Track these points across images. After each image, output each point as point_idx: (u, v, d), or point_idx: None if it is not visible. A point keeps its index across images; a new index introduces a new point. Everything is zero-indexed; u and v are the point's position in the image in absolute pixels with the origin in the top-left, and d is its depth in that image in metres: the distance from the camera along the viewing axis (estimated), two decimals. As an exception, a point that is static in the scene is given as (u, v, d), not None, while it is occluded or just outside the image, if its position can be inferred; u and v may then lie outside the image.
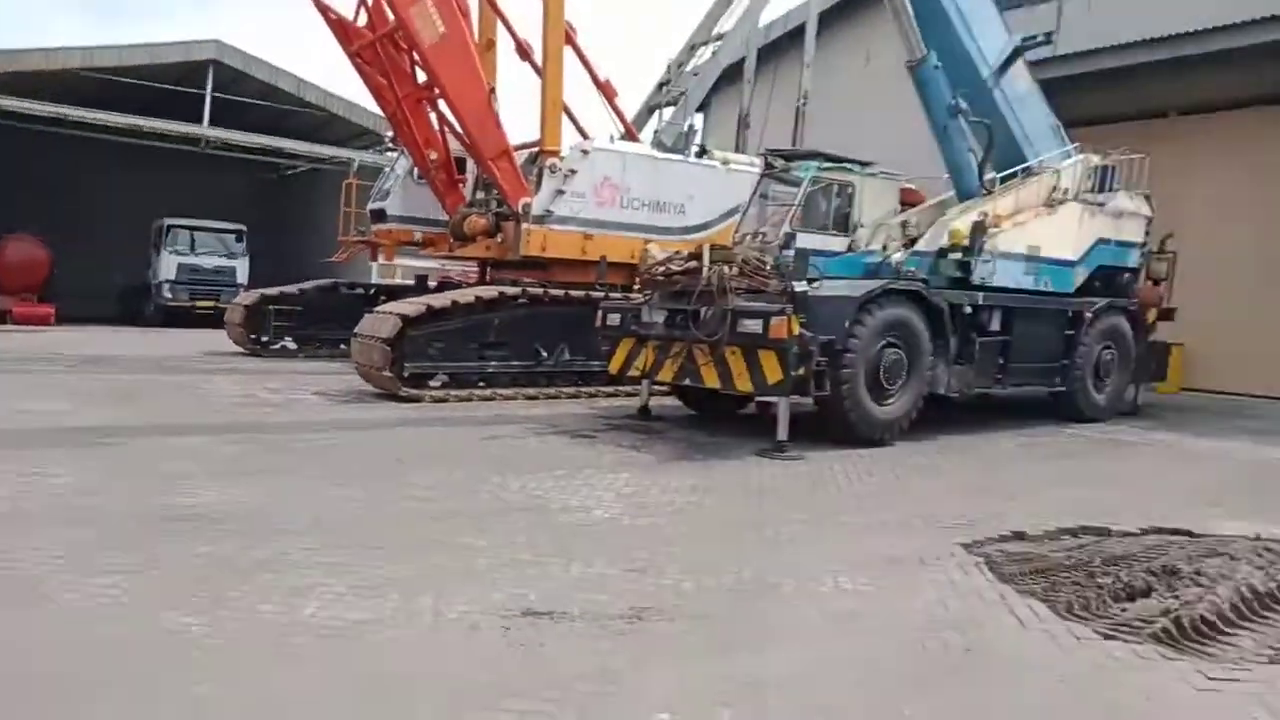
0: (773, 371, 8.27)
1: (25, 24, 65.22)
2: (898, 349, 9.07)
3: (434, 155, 13.79)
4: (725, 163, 14.07)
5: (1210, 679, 3.59)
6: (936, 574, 4.89)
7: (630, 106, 15.61)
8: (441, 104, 13.19)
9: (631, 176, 12.96)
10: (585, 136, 14.28)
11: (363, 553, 4.75)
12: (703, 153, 14.02)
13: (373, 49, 12.85)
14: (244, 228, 26.98)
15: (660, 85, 15.78)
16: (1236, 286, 15.19)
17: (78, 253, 25.58)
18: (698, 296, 8.85)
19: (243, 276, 25.88)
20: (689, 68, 15.57)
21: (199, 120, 25.20)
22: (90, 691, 3.12)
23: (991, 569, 5.00)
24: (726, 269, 8.74)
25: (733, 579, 4.65)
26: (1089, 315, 11.33)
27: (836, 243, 10.55)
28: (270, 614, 3.84)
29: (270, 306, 16.33)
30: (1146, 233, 12.48)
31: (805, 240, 9.96)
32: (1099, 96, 16.49)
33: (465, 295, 11.67)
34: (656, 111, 15.68)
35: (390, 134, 15.84)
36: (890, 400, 9.08)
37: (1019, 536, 5.75)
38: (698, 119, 18.10)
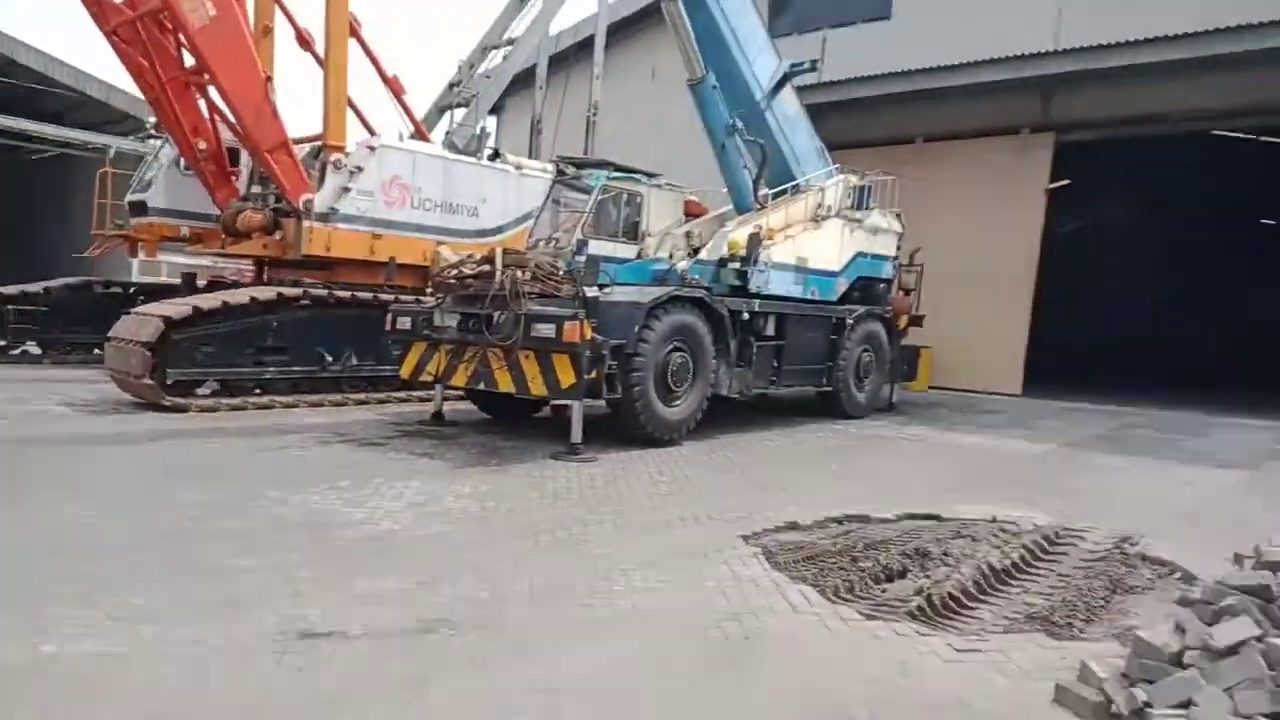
0: (566, 375, 8.36)
1: None
2: (684, 353, 9.46)
3: (203, 145, 12.73)
4: (518, 167, 14.05)
5: (957, 650, 4.03)
6: (720, 567, 5.15)
7: (420, 106, 15.24)
8: (212, 91, 12.20)
9: (422, 176, 12.62)
10: (372, 133, 13.75)
11: (112, 580, 4.33)
12: (495, 156, 13.92)
13: (132, 28, 11.65)
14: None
15: (451, 85, 15.51)
16: (972, 297, 17.07)
17: None
18: (491, 300, 8.78)
19: (-26, 273, 22.65)
20: (481, 70, 15.41)
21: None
22: None
23: (768, 559, 5.33)
24: (520, 273, 8.74)
25: (527, 584, 4.67)
26: (850, 321, 12.34)
27: (626, 250, 10.84)
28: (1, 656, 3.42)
29: (9, 307, 14.40)
30: (898, 247, 13.81)
31: (596, 247, 10.16)
32: (856, 121, 18.04)
33: (238, 296, 10.88)
34: (448, 112, 15.39)
35: (153, 120, 14.43)
36: (678, 401, 9.45)
37: (792, 527, 6.16)
38: (490, 122, 17.99)
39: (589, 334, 8.25)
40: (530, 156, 15.49)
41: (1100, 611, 4.64)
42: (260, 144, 11.57)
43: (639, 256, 10.92)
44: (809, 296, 11.93)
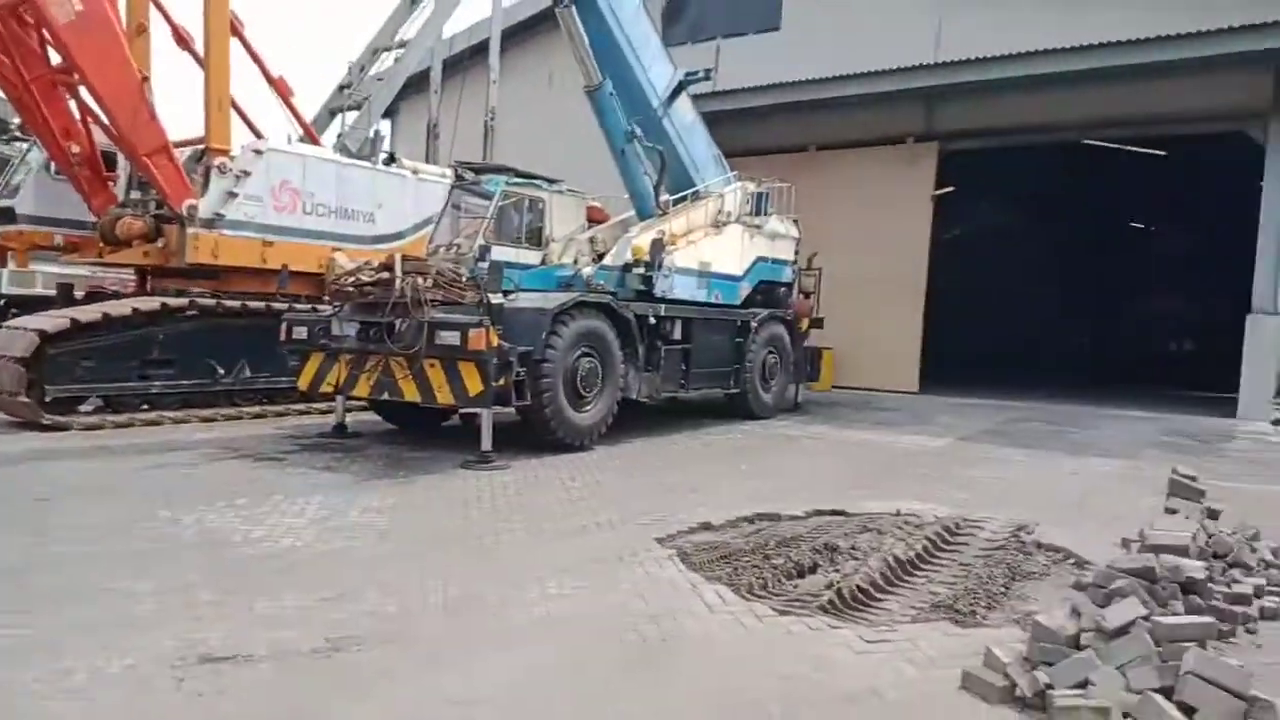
0: (473, 383, 8.21)
1: None
2: (592, 358, 9.43)
3: (75, 148, 11.96)
4: (415, 172, 13.75)
5: (867, 641, 4.12)
6: (635, 570, 5.13)
7: (309, 108, 14.75)
8: (84, 91, 11.49)
9: (314, 181, 12.19)
10: (259, 136, 13.22)
11: (-9, 613, 4.01)
12: (391, 160, 13.58)
13: (-12, 22, 10.85)
14: None
15: (341, 88, 15.09)
16: (869, 299, 17.61)
17: None
18: (392, 308, 8.55)
19: None
20: (372, 72, 15.04)
21: None
22: None
23: (683, 560, 5.34)
24: (422, 280, 8.53)
25: (438, 596, 4.55)
26: (754, 324, 12.56)
27: (530, 256, 10.74)
28: None
29: None
30: (796, 252, 14.15)
31: (499, 253, 10.03)
32: (751, 129, 18.42)
33: (120, 307, 10.28)
34: (339, 115, 14.96)
35: (17, 120, 13.48)
36: (588, 407, 9.42)
37: (705, 527, 6.20)
38: (384, 125, 17.57)
39: (495, 341, 8.12)
40: (427, 161, 15.20)
41: (1001, 598, 4.82)
42: (138, 147, 10.97)
43: (543, 263, 10.85)
44: (713, 301, 12.09)
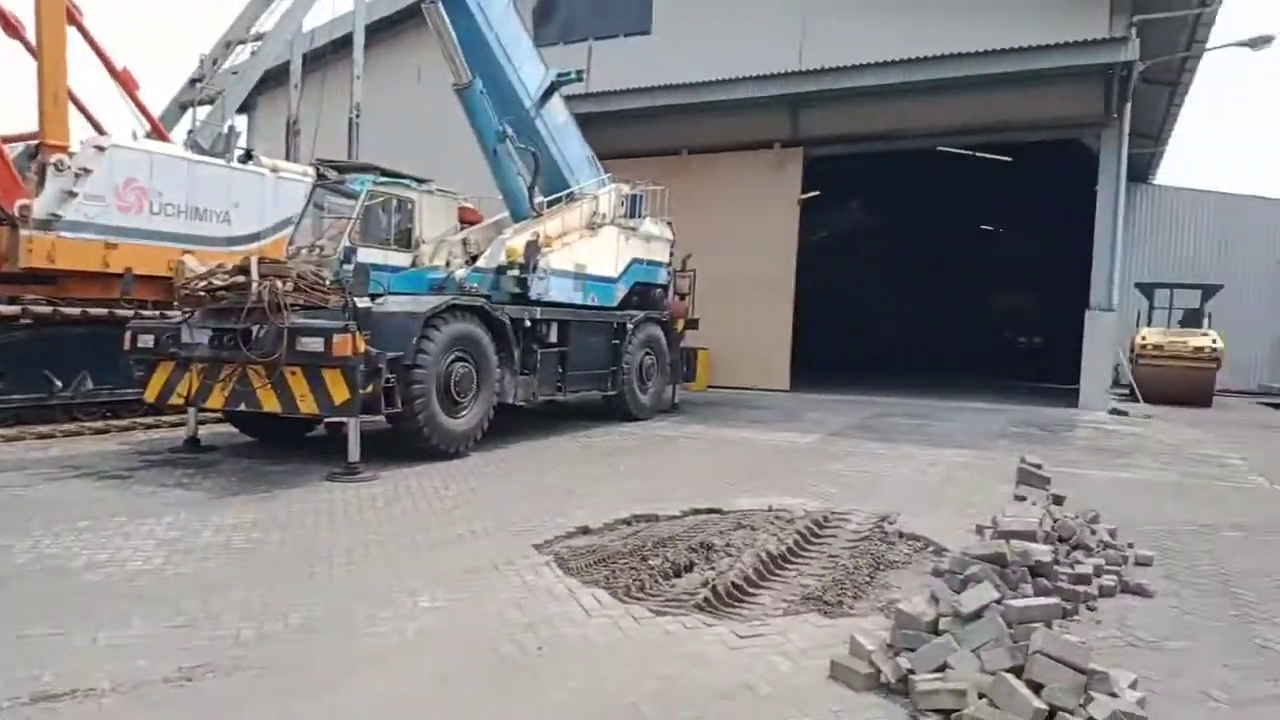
0: (339, 391, 7.88)
1: None
2: (466, 362, 9.24)
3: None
4: (274, 170, 13.12)
5: (741, 637, 4.18)
6: (511, 578, 5.04)
7: (157, 103, 13.86)
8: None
9: (162, 179, 11.45)
10: (101, 132, 12.33)
11: None
12: (248, 157, 12.91)
13: None
14: None
15: (193, 81, 14.24)
16: (741, 300, 18.03)
17: None
18: (247, 314, 8.12)
19: None
20: (226, 66, 14.28)
21: None
22: None
23: (560, 566, 5.29)
24: (280, 284, 8.14)
25: (302, 618, 4.33)
26: (631, 326, 12.62)
27: (399, 258, 10.42)
28: None
29: None
30: (671, 254, 14.31)
31: (366, 255, 9.68)
32: (624, 132, 18.56)
33: (-62, 317, 9.37)
34: (190, 110, 14.12)
35: None
36: (463, 412, 9.21)
37: (583, 531, 6.17)
38: (240, 121, 16.72)
39: (362, 346, 7.83)
40: (288, 159, 14.54)
41: (867, 588, 5.00)
42: (-42, 142, 10.04)
43: (413, 265, 10.55)
44: (589, 303, 12.07)
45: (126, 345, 9.05)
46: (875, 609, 4.61)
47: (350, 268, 8.96)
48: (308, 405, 8.06)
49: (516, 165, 11.67)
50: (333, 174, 10.44)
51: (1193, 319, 21.13)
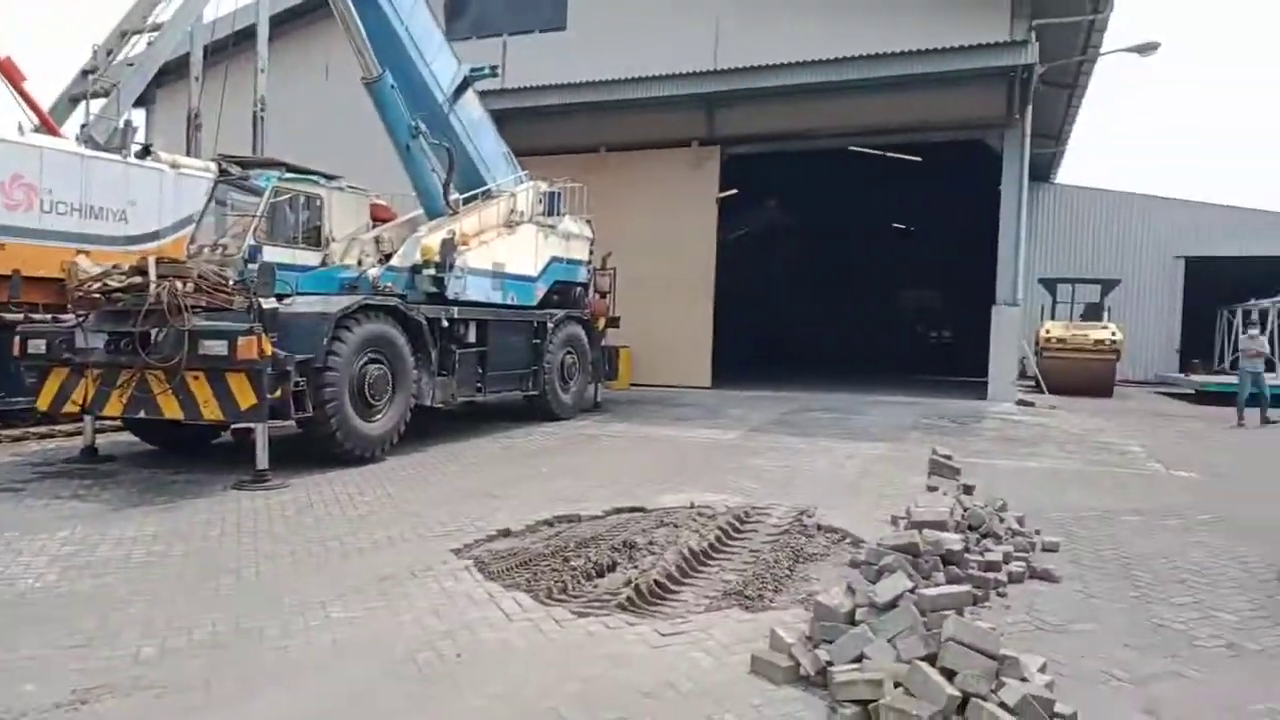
0: (245, 396, 7.60)
1: None
2: (381, 364, 9.01)
3: None
4: (174, 166, 12.58)
5: (663, 635, 4.17)
6: (429, 585, 4.92)
7: (46, 95, 13.13)
8: None
9: (53, 176, 10.86)
10: (-17, 126, 11.62)
11: None
12: (146, 153, 12.34)
13: None
14: None
15: (85, 73, 13.54)
16: (662, 298, 18.09)
17: None
18: (145, 316, 7.74)
19: None
20: (121, 57, 13.62)
21: None
22: None
23: (480, 570, 5.19)
24: (180, 284, 7.79)
25: (207, 633, 4.14)
26: (551, 325, 12.52)
27: (308, 257, 10.09)
28: None
29: None
30: (591, 252, 14.25)
31: (272, 254, 9.34)
32: (541, 129, 18.44)
33: None
34: (82, 103, 13.42)
35: None
36: (378, 416, 8.98)
37: (504, 534, 6.08)
38: (138, 115, 15.99)
39: (269, 349, 7.55)
40: (189, 154, 13.96)
41: (787, 581, 5.05)
42: None
43: (323, 264, 10.24)
44: (508, 302, 11.93)
45: (16, 351, 8.55)
46: (795, 601, 4.65)
47: (255, 267, 8.62)
48: (212, 411, 7.74)
49: (430, 162, 11.45)
50: (236, 170, 10.06)
51: (1093, 313, 22.12)
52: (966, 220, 22.20)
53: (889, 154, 21.99)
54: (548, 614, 4.44)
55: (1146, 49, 16.86)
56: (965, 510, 5.54)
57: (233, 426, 8.61)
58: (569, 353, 13.10)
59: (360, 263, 10.51)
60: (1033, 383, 20.41)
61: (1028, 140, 16.91)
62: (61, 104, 13.47)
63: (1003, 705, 3.04)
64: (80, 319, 8.33)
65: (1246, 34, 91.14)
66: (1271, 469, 9.17)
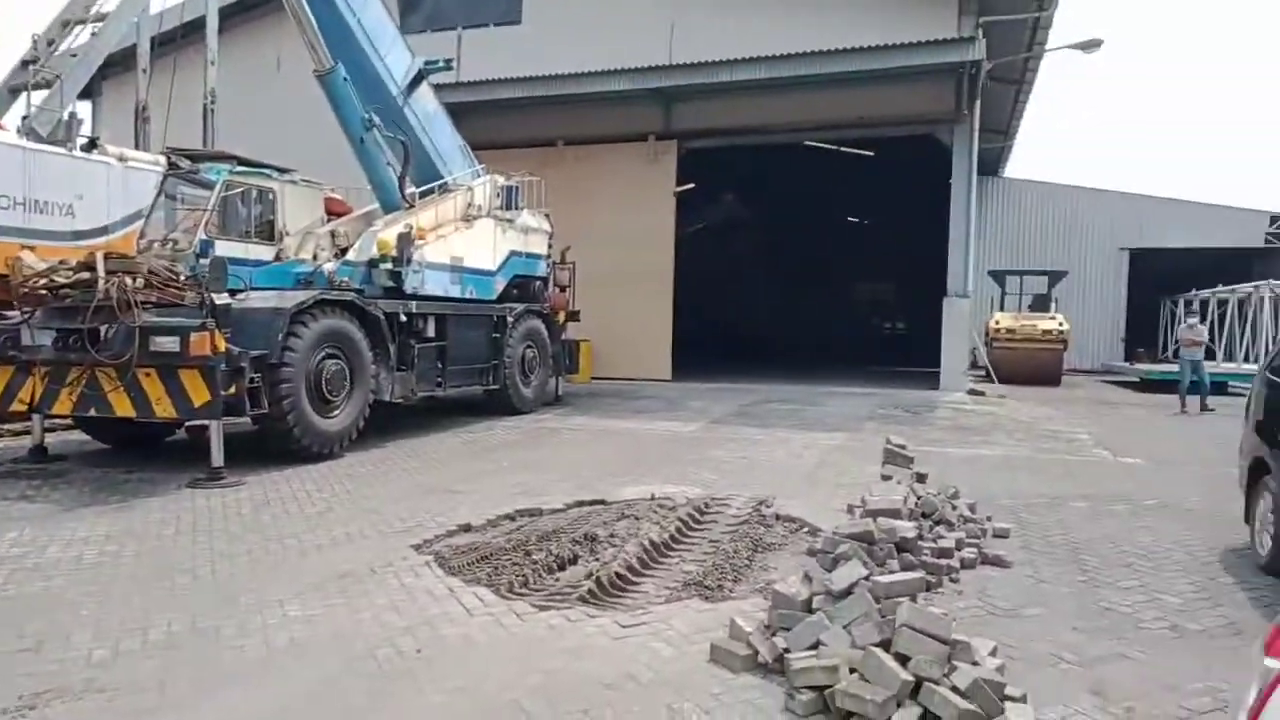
0: (199, 392, 7.49)
1: None
2: (338, 359, 8.92)
3: None
4: (122, 159, 12.28)
5: (623, 626, 4.21)
6: (388, 581, 4.91)
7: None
8: None
9: (-7, 169, 10.56)
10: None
11: None
12: (92, 146, 12.03)
13: None
14: None
15: (26, 64, 13.13)
16: (622, 292, 18.07)
17: None
18: (94, 313, 7.58)
19: None
20: (64, 47, 13.24)
21: None
22: None
23: (441, 565, 5.19)
24: (130, 280, 7.64)
25: (162, 634, 4.09)
26: (511, 319, 12.48)
27: (261, 252, 9.94)
28: None
29: None
30: (550, 246, 14.21)
31: (225, 248, 9.19)
32: (498, 123, 18.33)
33: None
34: (23, 94, 13.01)
35: None
36: (336, 411, 8.90)
37: (465, 529, 6.07)
38: (83, 107, 15.58)
39: (222, 345, 7.45)
40: (137, 147, 13.64)
41: (746, 570, 5.12)
42: None
43: (277, 259, 10.09)
44: (467, 296, 11.86)
45: (-42, 349, 8.31)
46: (754, 591, 4.72)
47: (207, 262, 8.47)
48: (164, 408, 7.62)
49: (386, 155, 11.33)
50: (186, 163, 9.86)
51: (1041, 303, 22.61)
52: (918, 214, 22.52)
53: (843, 149, 22.22)
54: (509, 608, 4.45)
55: (1090, 46, 17.23)
56: (918, 498, 5.66)
57: (187, 424, 8.47)
58: (529, 347, 13.07)
59: (315, 257, 10.38)
60: (983, 372, 20.81)
61: (976, 135, 17.22)
62: (1, 95, 13.06)
63: (955, 689, 3.13)
64: (26, 316, 8.12)
65: (1186, 31, 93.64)
66: (1212, 454, 9.47)
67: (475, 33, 19.54)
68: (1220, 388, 17.00)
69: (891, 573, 4.18)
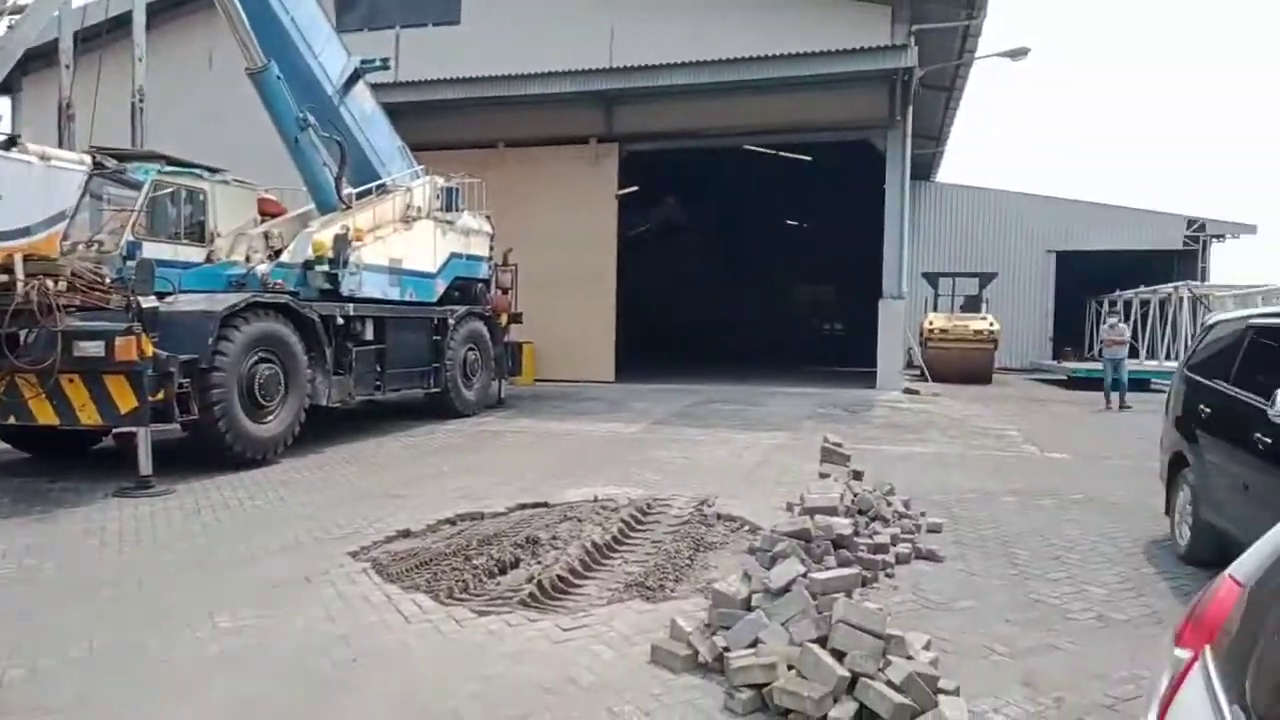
0: (125, 399, 7.25)
1: None
2: (272, 363, 8.73)
3: None
4: (44, 158, 11.79)
5: (564, 630, 4.19)
6: (323, 590, 4.81)
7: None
8: None
9: (-99, 167, 10.05)
10: None
11: None
12: (11, 144, 11.53)
13: None
14: None
15: (-63, 56, 12.55)
16: (565, 294, 18.02)
17: None
18: (13, 317, 7.29)
19: None
20: (-20, 40, 12.68)
21: None
22: None
23: (378, 572, 5.10)
24: (51, 283, 7.37)
25: (84, 650, 3.95)
26: (452, 322, 12.34)
27: (192, 254, 9.66)
28: None
29: None
30: (491, 248, 14.10)
31: (153, 250, 8.91)
32: (438, 123, 18.12)
33: None
34: (-66, 89, 12.46)
35: None
36: (270, 417, 8.70)
37: (404, 535, 5.98)
38: (3, 104, 14.97)
39: (150, 349, 7.22)
40: (61, 146, 13.12)
41: (687, 570, 5.14)
42: None
43: (208, 260, 9.83)
44: (407, 298, 11.70)
45: None
46: (695, 590, 4.75)
47: (134, 264, 8.21)
48: (89, 415, 7.37)
49: (321, 155, 11.11)
50: (112, 162, 9.54)
51: (972, 304, 23.19)
52: (855, 217, 22.89)
53: (782, 153, 22.48)
54: (448, 614, 4.41)
55: (1018, 54, 17.73)
56: (855, 495, 5.76)
57: (114, 431, 8.20)
58: (471, 349, 12.95)
59: (248, 259, 10.13)
60: (918, 371, 21.25)
61: (909, 140, 17.57)
62: (-90, 89, 12.48)
63: (889, 683, 3.19)
64: (-62, 321, 7.76)
65: (1108, 42, 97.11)
66: (1135, 449, 9.82)
67: (414, 32, 19.31)
68: (1143, 385, 17.62)
69: (828, 569, 4.24)
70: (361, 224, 10.96)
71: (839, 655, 3.30)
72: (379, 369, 10.93)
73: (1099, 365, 17.28)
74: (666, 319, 30.40)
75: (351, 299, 10.34)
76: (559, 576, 4.86)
